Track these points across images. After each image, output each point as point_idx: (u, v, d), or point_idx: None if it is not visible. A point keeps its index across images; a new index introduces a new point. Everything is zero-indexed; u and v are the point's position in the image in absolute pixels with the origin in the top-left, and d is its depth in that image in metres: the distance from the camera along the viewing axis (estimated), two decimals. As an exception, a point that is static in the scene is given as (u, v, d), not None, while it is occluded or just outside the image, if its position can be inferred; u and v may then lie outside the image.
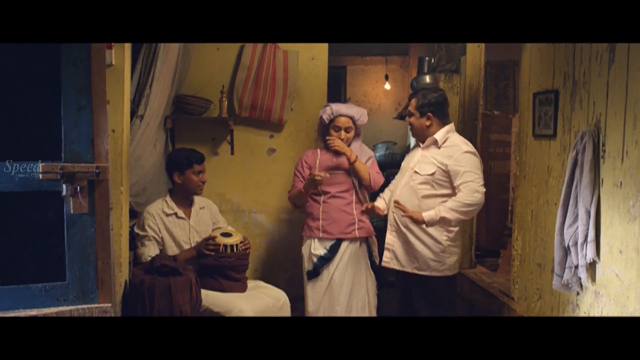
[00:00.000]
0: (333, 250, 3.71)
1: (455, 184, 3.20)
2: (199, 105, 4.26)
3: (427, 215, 3.17)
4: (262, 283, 3.79)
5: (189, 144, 4.00)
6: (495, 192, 4.58)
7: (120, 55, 2.75)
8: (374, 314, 3.74)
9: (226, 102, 4.31)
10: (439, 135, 3.29)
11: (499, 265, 4.27)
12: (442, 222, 3.19)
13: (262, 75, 4.36)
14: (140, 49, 3.58)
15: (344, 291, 3.71)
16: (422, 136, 3.36)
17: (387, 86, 6.52)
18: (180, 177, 3.52)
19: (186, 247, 3.53)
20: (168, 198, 3.56)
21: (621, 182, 2.35)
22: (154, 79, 3.60)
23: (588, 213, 2.50)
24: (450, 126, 3.36)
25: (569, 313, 2.79)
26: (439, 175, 3.23)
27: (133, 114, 3.50)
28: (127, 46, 2.85)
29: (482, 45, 4.28)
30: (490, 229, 4.58)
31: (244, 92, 4.35)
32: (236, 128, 4.41)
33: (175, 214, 3.53)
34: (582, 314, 2.67)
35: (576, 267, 2.59)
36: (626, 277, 2.32)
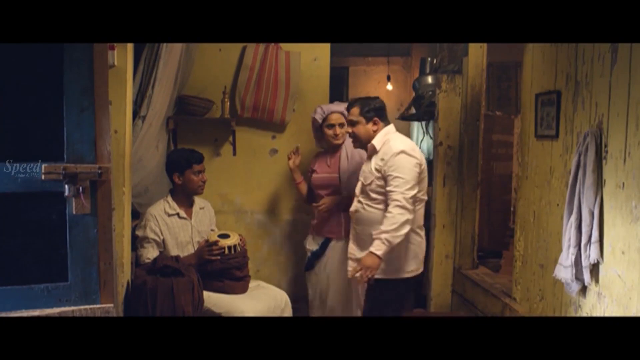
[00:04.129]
0: (323, 247, 3.87)
1: (387, 191, 3.10)
2: (201, 106, 4.26)
3: (376, 252, 2.99)
4: (263, 283, 3.80)
5: (191, 145, 4.01)
6: (497, 193, 4.57)
7: (123, 56, 2.76)
8: (359, 312, 3.75)
9: (228, 103, 4.31)
10: (376, 140, 3.21)
11: (501, 266, 4.27)
12: (389, 245, 3.00)
13: (265, 76, 4.36)
14: (142, 50, 3.59)
15: (335, 286, 3.80)
16: (368, 141, 3.27)
17: (389, 87, 6.52)
18: (180, 177, 3.53)
19: (188, 246, 3.54)
20: (169, 198, 3.57)
21: (623, 183, 2.35)
22: (157, 80, 3.60)
23: (591, 214, 2.50)
24: (389, 127, 3.27)
25: (571, 314, 2.79)
26: (375, 184, 3.17)
27: (135, 114, 3.50)
28: (130, 47, 2.85)
29: (485, 46, 4.27)
30: (493, 230, 4.57)
31: (246, 93, 4.35)
32: (238, 129, 4.41)
33: (178, 214, 3.54)
34: (584, 315, 2.67)
35: (579, 268, 2.59)
36: (629, 278, 2.32)
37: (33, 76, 2.20)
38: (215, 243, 3.47)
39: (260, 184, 4.51)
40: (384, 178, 3.12)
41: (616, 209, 2.39)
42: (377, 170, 3.15)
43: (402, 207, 3.01)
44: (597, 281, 2.54)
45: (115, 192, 2.66)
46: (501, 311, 3.56)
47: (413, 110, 5.33)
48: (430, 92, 4.72)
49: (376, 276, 3.10)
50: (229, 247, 3.48)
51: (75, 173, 2.16)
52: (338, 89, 6.41)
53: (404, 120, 5.98)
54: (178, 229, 3.53)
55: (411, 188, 3.06)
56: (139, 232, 3.45)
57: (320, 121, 3.87)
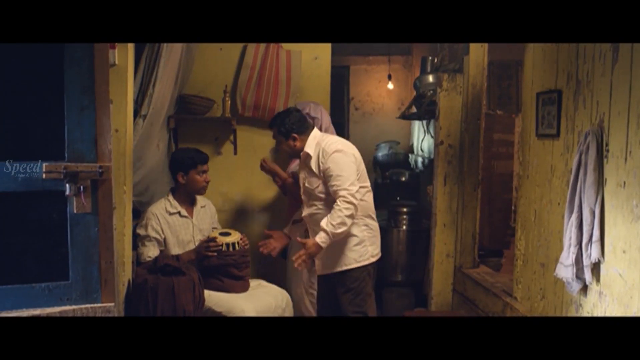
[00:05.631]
0: None
1: (330, 191, 3.25)
2: (202, 105, 4.26)
3: (321, 243, 3.17)
4: (264, 282, 3.80)
5: (192, 144, 4.01)
6: (498, 191, 4.57)
7: (124, 55, 2.75)
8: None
9: (229, 102, 4.31)
10: (308, 147, 3.37)
11: (502, 265, 4.26)
12: (333, 238, 3.19)
13: (265, 75, 4.36)
14: (143, 49, 3.59)
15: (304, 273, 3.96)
16: (296, 154, 3.47)
17: (390, 86, 6.51)
18: (185, 177, 3.53)
19: (190, 245, 3.54)
20: (170, 197, 3.57)
21: (624, 182, 2.34)
22: (157, 79, 3.60)
23: (592, 213, 2.49)
24: (314, 132, 3.42)
25: (572, 313, 2.79)
26: (322, 186, 3.31)
27: (136, 113, 3.50)
28: (130, 46, 2.85)
29: (486, 45, 4.27)
30: (494, 229, 4.56)
31: (247, 92, 4.35)
32: (239, 128, 4.41)
33: (179, 212, 3.54)
34: (585, 314, 2.67)
35: (580, 267, 2.58)
36: (630, 277, 2.32)
37: (34, 75, 2.20)
38: (214, 239, 3.48)
39: (261, 182, 4.51)
40: (325, 179, 3.27)
41: (617, 207, 2.39)
42: (320, 172, 3.29)
43: (349, 202, 3.17)
44: (598, 280, 2.54)
45: (116, 191, 2.66)
46: (502, 310, 3.56)
47: (414, 109, 5.33)
48: (431, 91, 4.72)
49: (342, 268, 3.32)
50: (227, 245, 3.49)
51: (76, 172, 2.17)
52: (339, 87, 6.41)
53: (405, 119, 5.98)
54: (179, 228, 3.53)
55: (353, 183, 3.22)
56: (140, 231, 3.45)
57: None
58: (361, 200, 3.28)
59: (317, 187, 3.31)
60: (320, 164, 3.28)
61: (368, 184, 3.42)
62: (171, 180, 3.67)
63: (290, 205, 4.12)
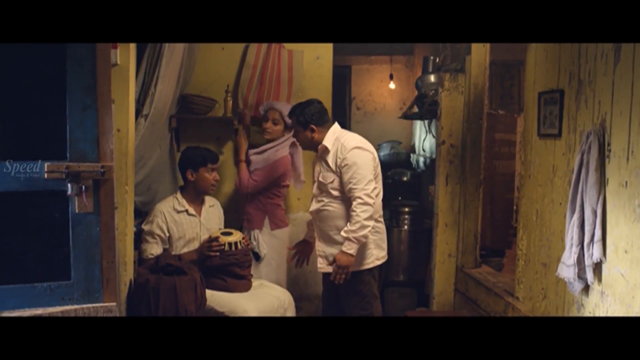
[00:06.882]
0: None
1: (345, 188, 3.24)
2: (203, 105, 4.26)
3: (348, 251, 3.18)
4: (267, 282, 3.80)
5: (194, 144, 4.01)
6: (500, 191, 4.57)
7: (125, 54, 2.76)
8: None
9: (231, 102, 4.31)
10: (327, 140, 3.34)
11: (504, 265, 4.26)
12: (358, 242, 3.20)
13: (267, 75, 4.36)
14: (145, 49, 3.59)
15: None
16: (312, 146, 3.43)
17: (392, 85, 6.50)
18: (194, 174, 3.54)
19: (196, 243, 3.55)
20: (179, 195, 3.58)
21: (627, 182, 2.34)
22: (159, 79, 3.60)
23: (594, 213, 2.49)
24: (334, 127, 3.39)
25: (574, 313, 2.78)
26: (337, 182, 3.29)
27: (138, 113, 3.50)
28: (132, 46, 2.85)
29: (488, 44, 4.26)
30: (495, 229, 4.56)
31: (248, 92, 4.35)
32: (241, 127, 4.40)
33: (186, 210, 3.55)
34: (587, 314, 2.66)
35: (582, 267, 2.58)
36: (631, 277, 2.32)
37: (35, 75, 2.20)
38: (216, 239, 3.48)
39: (263, 182, 4.50)
40: (342, 174, 3.24)
41: (619, 207, 2.39)
42: (337, 167, 3.26)
43: (365, 203, 3.15)
44: (600, 280, 2.54)
45: (118, 191, 2.66)
46: (504, 310, 3.56)
47: (416, 109, 5.33)
48: (433, 91, 4.72)
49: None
50: (230, 244, 3.49)
51: (78, 172, 2.17)
52: (341, 87, 6.41)
53: (407, 119, 5.97)
54: (186, 226, 3.53)
55: (369, 182, 3.20)
56: (146, 227, 3.46)
57: (262, 113, 4.14)
58: None
59: (332, 182, 3.28)
60: (338, 159, 3.24)
61: (380, 185, 3.39)
62: (173, 179, 3.68)
63: (242, 196, 4.18)
